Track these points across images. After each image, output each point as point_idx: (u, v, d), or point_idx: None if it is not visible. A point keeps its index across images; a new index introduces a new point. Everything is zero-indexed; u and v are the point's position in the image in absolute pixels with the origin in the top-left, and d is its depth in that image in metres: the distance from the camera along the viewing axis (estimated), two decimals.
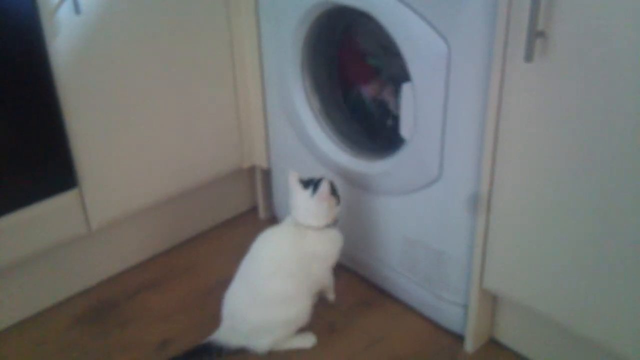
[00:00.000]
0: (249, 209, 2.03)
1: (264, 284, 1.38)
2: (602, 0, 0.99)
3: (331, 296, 1.59)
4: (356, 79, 1.63)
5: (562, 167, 1.13)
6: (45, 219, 1.48)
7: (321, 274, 1.47)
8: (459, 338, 1.49)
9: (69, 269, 1.64)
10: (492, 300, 1.44)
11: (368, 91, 1.63)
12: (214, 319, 1.50)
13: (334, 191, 1.44)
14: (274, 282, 1.38)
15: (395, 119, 1.58)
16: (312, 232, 1.42)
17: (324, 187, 1.40)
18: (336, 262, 1.49)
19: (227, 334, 1.42)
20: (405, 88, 1.35)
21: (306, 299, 1.42)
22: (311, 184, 1.43)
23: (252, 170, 1.97)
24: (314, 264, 1.43)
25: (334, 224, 1.46)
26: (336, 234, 1.47)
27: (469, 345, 1.45)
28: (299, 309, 1.41)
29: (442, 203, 1.38)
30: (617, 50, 1.00)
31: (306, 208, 1.42)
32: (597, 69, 1.03)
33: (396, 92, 1.46)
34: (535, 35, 1.06)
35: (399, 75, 1.42)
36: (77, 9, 1.37)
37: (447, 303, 1.48)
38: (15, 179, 1.41)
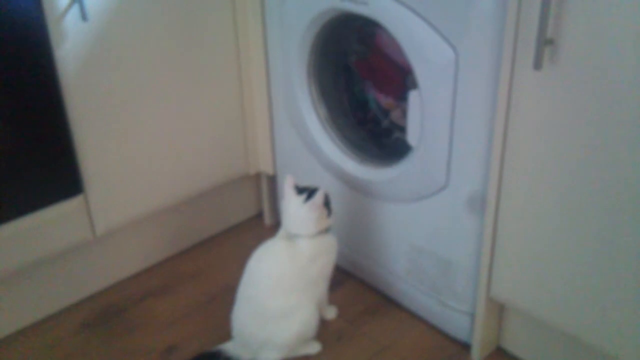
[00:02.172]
0: (254, 215, 2.03)
1: (266, 301, 1.37)
2: (612, 7, 0.98)
3: (328, 315, 1.58)
4: (379, 85, 1.61)
5: (571, 175, 1.13)
6: (51, 225, 1.48)
7: (319, 282, 1.46)
8: (466, 346, 1.48)
9: (74, 275, 1.64)
10: (499, 309, 1.43)
11: (382, 100, 1.62)
12: (220, 325, 1.50)
13: (327, 203, 1.42)
14: (275, 298, 1.37)
15: (399, 129, 1.58)
16: (303, 240, 1.41)
17: (318, 197, 1.38)
18: (333, 271, 1.48)
19: (238, 349, 1.42)
20: (413, 95, 1.34)
21: (311, 308, 1.41)
22: (306, 191, 1.41)
23: (257, 176, 1.97)
24: (312, 271, 1.42)
25: (326, 231, 1.44)
26: (330, 239, 1.45)
27: (476, 354, 1.44)
28: (306, 319, 1.40)
29: (450, 211, 1.37)
30: (626, 58, 0.99)
31: (296, 214, 1.40)
32: (607, 77, 1.02)
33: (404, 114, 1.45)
34: (544, 42, 1.05)
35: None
36: (83, 15, 1.37)
37: (454, 311, 1.47)
38: (21, 186, 1.41)
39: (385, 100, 1.61)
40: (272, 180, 1.93)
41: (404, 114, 1.53)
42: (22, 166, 1.40)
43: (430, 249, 1.45)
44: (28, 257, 1.48)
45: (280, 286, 1.38)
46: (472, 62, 1.21)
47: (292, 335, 1.39)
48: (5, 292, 1.52)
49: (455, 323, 1.48)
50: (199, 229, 1.90)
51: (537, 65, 1.07)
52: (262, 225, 1.99)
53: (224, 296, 1.61)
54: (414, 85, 1.34)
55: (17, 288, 1.53)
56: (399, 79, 1.53)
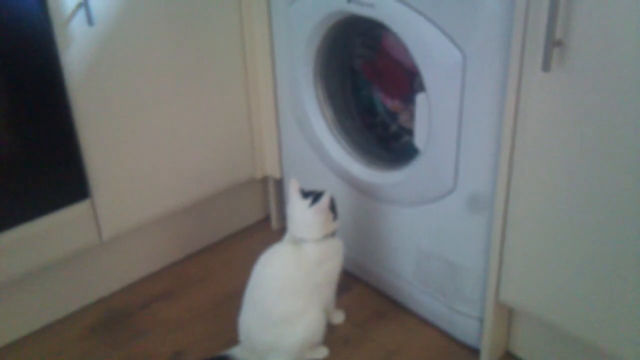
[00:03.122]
0: (261, 219, 2.02)
1: (272, 306, 1.36)
2: (621, 8, 0.97)
3: (335, 319, 1.57)
4: (385, 89, 1.61)
5: (580, 178, 1.11)
6: (58, 229, 1.48)
7: (326, 286, 1.45)
8: (475, 351, 1.47)
9: (81, 280, 1.64)
10: (507, 313, 1.42)
11: (389, 103, 1.61)
12: (228, 329, 1.50)
13: (333, 207, 1.42)
14: (282, 303, 1.36)
15: (408, 132, 1.57)
16: (309, 244, 1.40)
17: (324, 200, 1.37)
18: (340, 274, 1.47)
19: (245, 353, 1.42)
20: (420, 98, 1.33)
21: (318, 312, 1.41)
22: (311, 195, 1.41)
23: (264, 180, 1.97)
24: (318, 275, 1.41)
25: (331, 235, 1.44)
26: (336, 242, 1.45)
27: (485, 359, 1.43)
28: (312, 324, 1.40)
29: (457, 214, 1.36)
30: (636, 59, 0.98)
31: (301, 218, 1.40)
32: (616, 78, 1.01)
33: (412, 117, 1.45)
34: (553, 44, 1.04)
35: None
36: (89, 20, 1.37)
37: (462, 316, 1.46)
38: (28, 190, 1.41)
39: (392, 103, 1.60)
40: (279, 184, 1.93)
41: (412, 117, 1.52)
42: (29, 171, 1.40)
43: (438, 252, 1.44)
44: (35, 262, 1.48)
45: (287, 290, 1.37)
46: (480, 65, 1.20)
47: (299, 340, 1.39)
48: (12, 297, 1.52)
49: (464, 327, 1.47)
50: (205, 233, 1.90)
51: (546, 67, 1.06)
52: (269, 229, 1.98)
53: (231, 300, 1.60)
54: (421, 88, 1.33)
55: (23, 293, 1.53)
56: (405, 81, 1.52)
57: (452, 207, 1.37)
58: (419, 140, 1.38)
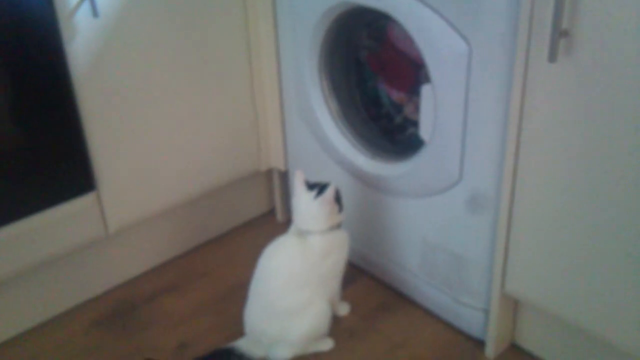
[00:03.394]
0: (266, 212, 2.02)
1: (278, 299, 1.37)
2: None
3: (341, 311, 1.57)
4: (390, 81, 1.61)
5: (586, 169, 1.11)
6: (64, 222, 1.49)
7: (332, 278, 1.45)
8: (480, 343, 1.47)
9: (86, 273, 1.64)
10: (513, 305, 1.42)
11: (394, 95, 1.61)
12: (232, 322, 1.50)
13: (338, 198, 1.42)
14: (287, 295, 1.37)
15: (413, 124, 1.57)
16: (314, 236, 1.40)
17: (329, 192, 1.37)
18: (345, 267, 1.47)
19: (250, 345, 1.42)
20: (425, 89, 1.33)
21: (323, 305, 1.41)
22: (316, 187, 1.41)
23: (269, 172, 1.97)
24: (324, 267, 1.41)
25: (337, 227, 1.44)
26: (341, 233, 1.45)
27: (490, 351, 1.43)
28: (318, 316, 1.40)
29: (463, 206, 1.36)
30: None
31: (306, 210, 1.40)
32: (624, 69, 1.00)
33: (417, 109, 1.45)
34: (559, 34, 1.04)
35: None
36: (94, 11, 1.37)
37: (468, 307, 1.46)
38: (34, 183, 1.42)
39: (397, 95, 1.60)
40: (284, 177, 1.93)
41: (417, 109, 1.52)
42: (35, 163, 1.41)
43: (443, 244, 1.44)
44: (40, 255, 1.48)
45: (292, 283, 1.37)
46: (485, 55, 1.19)
47: (304, 332, 1.39)
48: (18, 289, 1.52)
49: (469, 319, 1.47)
50: (211, 226, 1.90)
51: (552, 57, 1.05)
52: (274, 221, 1.99)
53: (236, 293, 1.61)
54: (426, 79, 1.33)
55: (29, 285, 1.54)
56: (411, 73, 1.52)
57: (458, 198, 1.36)
58: (424, 131, 1.37)
